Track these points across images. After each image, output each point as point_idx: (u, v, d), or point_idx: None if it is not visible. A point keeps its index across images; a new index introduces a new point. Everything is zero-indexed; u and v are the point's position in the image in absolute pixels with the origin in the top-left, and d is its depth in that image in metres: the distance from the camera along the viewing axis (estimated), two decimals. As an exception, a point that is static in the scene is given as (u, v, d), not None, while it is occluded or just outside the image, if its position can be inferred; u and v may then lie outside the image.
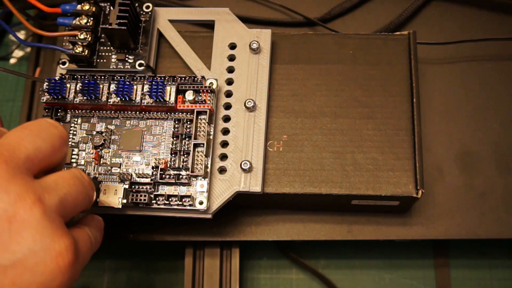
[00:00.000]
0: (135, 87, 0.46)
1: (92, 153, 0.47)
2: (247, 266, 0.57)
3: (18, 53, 0.66)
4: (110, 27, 0.46)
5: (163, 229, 0.51)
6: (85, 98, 0.46)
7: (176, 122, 0.46)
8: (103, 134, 0.47)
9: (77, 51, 0.47)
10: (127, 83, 0.46)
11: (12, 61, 0.65)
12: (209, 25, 0.52)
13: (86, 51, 0.48)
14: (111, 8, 0.49)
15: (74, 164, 0.47)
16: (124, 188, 0.45)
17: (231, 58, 0.49)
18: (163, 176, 0.45)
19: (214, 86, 0.46)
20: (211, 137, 0.46)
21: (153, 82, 0.46)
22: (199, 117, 0.46)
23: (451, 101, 0.55)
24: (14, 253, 0.31)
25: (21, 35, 0.65)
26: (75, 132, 0.47)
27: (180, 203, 0.45)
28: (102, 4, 0.49)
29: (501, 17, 0.58)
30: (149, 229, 0.52)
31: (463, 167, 0.53)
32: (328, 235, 0.51)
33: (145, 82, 0.47)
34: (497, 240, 0.52)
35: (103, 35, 0.49)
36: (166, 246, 0.58)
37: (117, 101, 0.46)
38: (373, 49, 0.51)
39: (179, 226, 0.51)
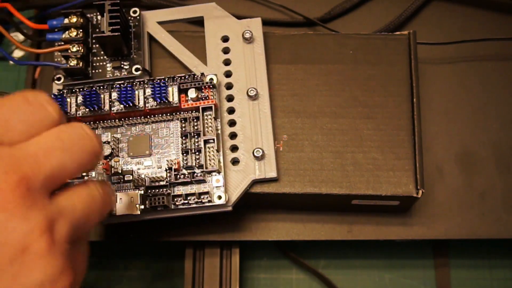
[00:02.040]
0: (136, 92, 0.46)
1: (102, 163, 0.46)
2: (247, 266, 0.57)
3: (18, 53, 0.65)
4: (103, 35, 0.46)
5: (163, 229, 0.51)
6: (87, 109, 0.46)
7: (183, 121, 0.46)
8: (110, 144, 0.47)
9: (71, 64, 0.47)
10: (129, 88, 0.46)
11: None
12: (202, 22, 0.52)
13: (81, 63, 0.48)
14: (98, 17, 0.49)
15: (86, 178, 0.46)
16: (140, 194, 0.45)
17: (226, 51, 0.49)
18: (178, 176, 0.45)
19: (215, 81, 0.46)
20: (219, 131, 0.46)
21: (155, 85, 0.46)
22: (204, 113, 0.46)
23: (451, 101, 0.55)
24: (22, 285, 0.29)
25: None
26: None
27: (199, 200, 0.44)
28: (89, 15, 0.49)
29: (501, 17, 0.58)
30: (149, 229, 0.52)
31: (463, 167, 0.53)
32: (328, 235, 0.51)
33: (146, 86, 0.46)
34: (497, 240, 0.52)
35: (95, 45, 0.49)
36: (166, 246, 0.58)
37: (120, 108, 0.46)
38: (373, 49, 0.51)
39: (179, 226, 0.51)
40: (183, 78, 0.47)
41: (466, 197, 0.52)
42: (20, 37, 0.64)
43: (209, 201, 0.44)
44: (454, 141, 0.53)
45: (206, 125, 0.46)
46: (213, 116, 0.46)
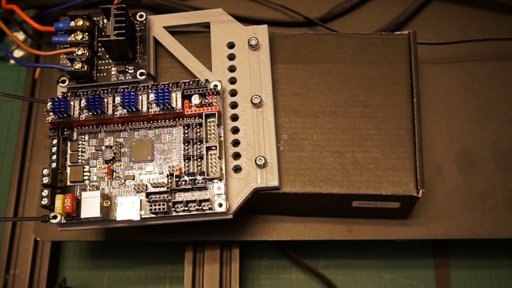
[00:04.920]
0: (140, 97, 0.46)
1: (104, 168, 0.47)
2: (247, 266, 0.57)
3: (18, 53, 0.65)
4: (109, 39, 0.46)
5: (163, 229, 0.51)
6: (90, 113, 0.46)
7: (185, 127, 0.46)
8: (113, 148, 0.47)
9: (76, 67, 0.47)
10: (132, 93, 0.45)
11: (12, 61, 0.65)
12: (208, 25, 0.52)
13: (86, 66, 0.47)
14: (104, 21, 0.49)
15: (87, 182, 0.46)
16: (141, 200, 0.45)
17: (231, 57, 0.49)
18: (179, 183, 0.45)
19: (219, 88, 0.46)
20: (222, 138, 0.46)
21: (159, 90, 0.46)
22: (208, 120, 0.46)
23: (451, 101, 0.55)
24: None
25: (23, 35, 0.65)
26: (83, 150, 0.47)
27: (200, 207, 0.44)
28: (95, 18, 0.49)
29: (501, 17, 0.58)
30: (149, 229, 0.52)
31: (463, 167, 0.53)
32: (328, 235, 0.52)
33: (150, 91, 0.46)
34: (497, 240, 0.52)
35: (100, 49, 0.49)
36: (166, 246, 0.58)
37: (123, 113, 0.46)
38: (373, 49, 0.51)
39: (179, 227, 0.51)
40: (187, 84, 0.46)
41: (466, 197, 0.52)
42: (20, 37, 0.64)
43: (210, 209, 0.44)
44: (454, 141, 0.53)
45: (209, 132, 0.46)
46: (216, 123, 0.46)
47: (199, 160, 0.45)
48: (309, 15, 0.57)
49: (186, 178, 0.45)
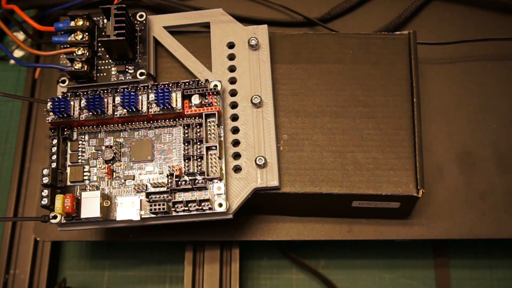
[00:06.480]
0: (140, 97, 0.46)
1: (104, 168, 0.47)
2: (247, 266, 0.57)
3: (18, 53, 0.65)
4: (109, 39, 0.46)
5: (163, 229, 0.51)
6: (90, 113, 0.46)
7: (185, 127, 0.46)
8: (113, 148, 0.47)
9: (76, 67, 0.47)
10: (132, 93, 0.45)
11: (12, 61, 0.65)
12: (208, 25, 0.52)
13: (86, 66, 0.47)
14: (104, 21, 0.49)
15: (87, 182, 0.46)
16: (141, 200, 0.45)
17: (231, 57, 0.49)
18: (179, 183, 0.45)
19: (219, 88, 0.46)
20: (222, 138, 0.46)
21: (159, 90, 0.46)
22: (208, 120, 0.46)
23: (451, 101, 0.55)
24: None
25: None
26: (83, 150, 0.47)
27: (200, 207, 0.44)
28: (95, 18, 0.49)
29: (501, 17, 0.58)
30: (149, 229, 0.52)
31: (463, 167, 0.53)
32: (328, 235, 0.52)
33: (150, 91, 0.46)
34: (497, 240, 0.52)
35: (100, 49, 0.49)
36: (166, 246, 0.58)
37: (123, 113, 0.46)
38: (373, 49, 0.51)
39: (179, 227, 0.51)
40: (187, 84, 0.46)
41: (466, 197, 0.52)
42: (20, 37, 0.64)
43: (210, 209, 0.44)
44: (454, 141, 0.53)
45: (209, 132, 0.46)
46: (216, 123, 0.46)
47: (199, 160, 0.45)
48: (309, 15, 0.57)
49: (186, 178, 0.45)
